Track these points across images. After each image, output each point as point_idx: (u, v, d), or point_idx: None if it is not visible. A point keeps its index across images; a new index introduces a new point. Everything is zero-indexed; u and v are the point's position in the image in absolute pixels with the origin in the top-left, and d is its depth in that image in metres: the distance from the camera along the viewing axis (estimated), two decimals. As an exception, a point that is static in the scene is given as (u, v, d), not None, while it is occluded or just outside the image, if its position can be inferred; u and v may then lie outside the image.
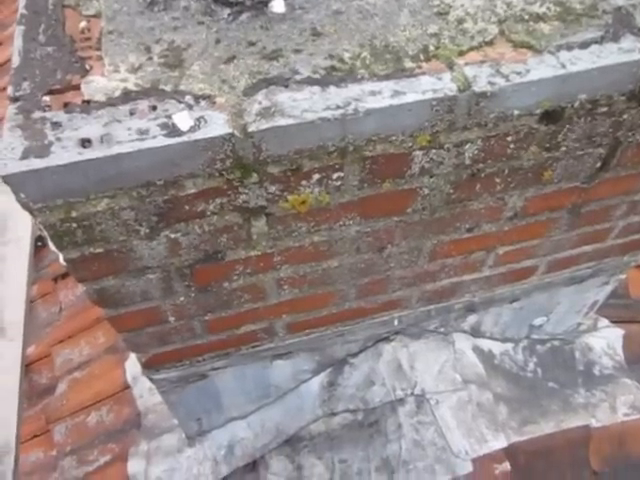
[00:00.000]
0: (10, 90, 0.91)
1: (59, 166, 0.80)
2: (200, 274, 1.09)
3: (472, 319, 1.58)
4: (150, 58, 0.92)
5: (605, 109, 1.00)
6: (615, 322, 2.21)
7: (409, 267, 1.27)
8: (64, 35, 0.99)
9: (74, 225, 0.90)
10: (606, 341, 2.14)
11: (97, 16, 1.01)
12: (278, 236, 1.06)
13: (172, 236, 0.99)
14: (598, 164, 1.13)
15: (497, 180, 1.08)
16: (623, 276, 1.66)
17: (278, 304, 1.25)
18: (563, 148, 1.06)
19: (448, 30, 0.95)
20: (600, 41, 0.94)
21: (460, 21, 0.96)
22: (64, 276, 2.67)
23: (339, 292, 1.27)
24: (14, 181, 0.81)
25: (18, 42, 0.99)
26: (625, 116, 1.03)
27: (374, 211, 1.07)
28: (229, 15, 0.96)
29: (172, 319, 1.19)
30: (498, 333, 1.71)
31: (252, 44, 0.93)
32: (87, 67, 0.93)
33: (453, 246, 1.24)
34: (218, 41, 0.93)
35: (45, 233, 0.92)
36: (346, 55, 0.91)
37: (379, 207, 1.06)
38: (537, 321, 1.73)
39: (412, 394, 1.47)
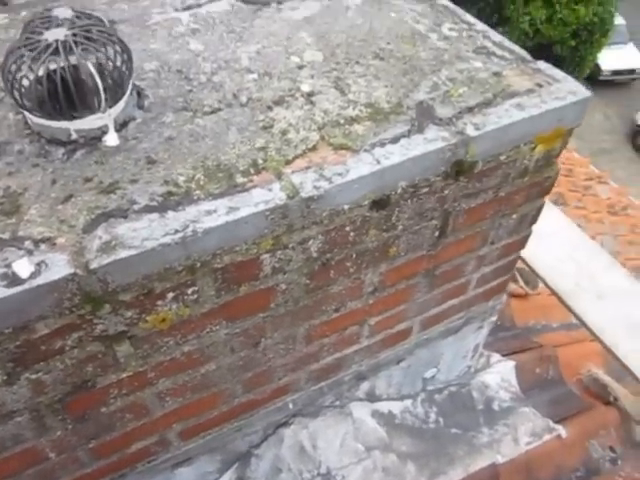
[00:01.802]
0: None
1: None
2: (73, 406, 1.07)
3: (365, 386, 1.64)
4: (-15, 208, 0.93)
5: (427, 189, 1.12)
6: (507, 355, 2.37)
7: (288, 354, 1.31)
8: None
9: None
10: (500, 375, 2.27)
11: None
12: (146, 354, 1.07)
13: (33, 377, 0.97)
14: (436, 233, 1.26)
15: (348, 264, 1.17)
16: (494, 318, 1.80)
17: (164, 415, 1.24)
18: (400, 227, 1.17)
19: (274, 142, 1.04)
20: (408, 134, 1.07)
21: (284, 132, 1.05)
22: None
23: (225, 391, 1.29)
24: None
25: None
26: (446, 191, 1.16)
27: (238, 313, 1.11)
28: (63, 154, 1.00)
29: (52, 455, 1.15)
30: (394, 393, 1.78)
31: (88, 180, 0.96)
32: None
33: (326, 327, 1.31)
34: (54, 181, 0.96)
35: None
36: (181, 179, 0.97)
37: (242, 309, 1.11)
38: (428, 374, 1.82)
39: (319, 474, 1.48)
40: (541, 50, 10.75)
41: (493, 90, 1.17)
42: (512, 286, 2.77)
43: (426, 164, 1.07)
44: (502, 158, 1.18)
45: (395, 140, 1.06)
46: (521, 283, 2.81)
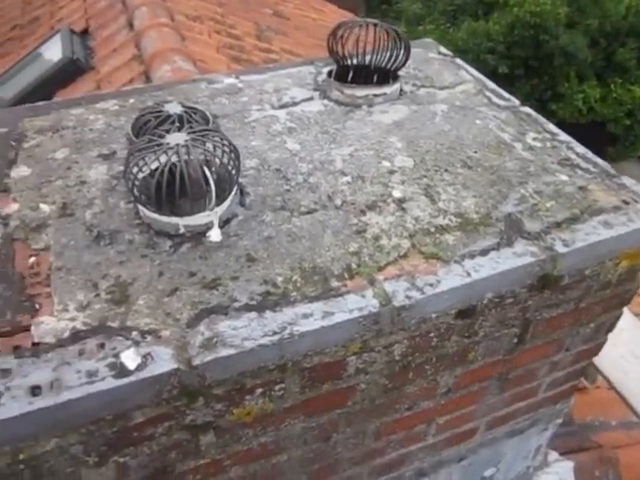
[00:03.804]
0: (-40, 335, 0.95)
1: (9, 418, 0.83)
2: (150, 488, 1.09)
3: (424, 482, 1.61)
4: (97, 295, 0.99)
5: (511, 300, 1.14)
6: (565, 453, 2.28)
7: (356, 448, 1.31)
8: (13, 272, 1.05)
9: (21, 466, 0.91)
10: (559, 476, 2.18)
11: (46, 249, 1.09)
12: (226, 444, 1.09)
13: (121, 460, 1.00)
14: (515, 340, 1.26)
15: (427, 367, 1.18)
16: (560, 421, 1.75)
17: (230, 501, 1.24)
18: (481, 334, 1.17)
19: (367, 247, 1.08)
20: (497, 247, 1.10)
21: (376, 238, 1.09)
22: None
23: (290, 481, 1.29)
24: (-38, 438, 0.82)
25: (-32, 281, 1.04)
26: (530, 302, 1.17)
27: (317, 409, 1.13)
28: (170, 247, 1.06)
29: (122, 534, 1.16)
30: (452, 490, 1.73)
31: (193, 274, 1.02)
32: (36, 306, 0.99)
33: (396, 424, 1.30)
34: (161, 273, 1.02)
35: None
36: (279, 279, 1.02)
37: (321, 405, 1.12)
38: (487, 473, 1.77)
39: None
40: (594, 127, 10.74)
41: (580, 206, 1.19)
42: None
43: (514, 277, 1.09)
44: (586, 272, 1.19)
45: (484, 252, 1.09)
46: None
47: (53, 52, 4.03)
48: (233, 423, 1.04)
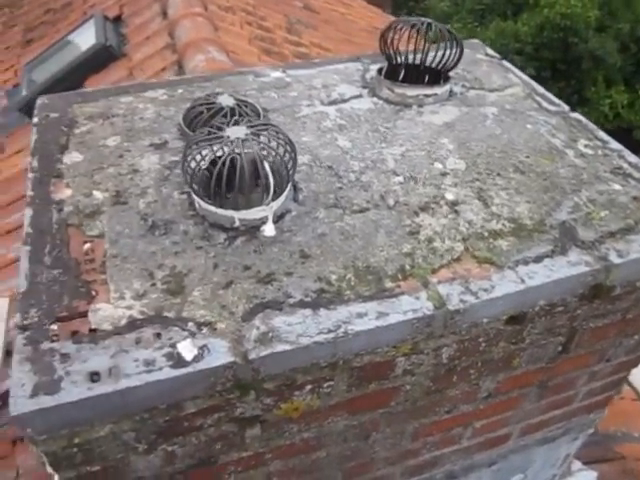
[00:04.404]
0: (18, 318, 0.96)
1: (69, 403, 0.84)
2: (192, 478, 1.10)
3: (453, 485, 1.61)
4: (154, 284, 1.00)
5: (561, 308, 1.13)
6: (588, 463, 2.26)
7: (393, 448, 1.31)
8: (69, 257, 1.06)
9: (75, 450, 0.92)
10: (582, 486, 2.17)
11: (100, 236, 1.10)
12: (270, 437, 1.09)
13: (169, 449, 1.01)
14: (559, 348, 1.25)
15: (471, 371, 1.17)
16: (591, 430, 1.74)
17: (267, 494, 1.25)
18: (528, 340, 1.17)
19: (420, 249, 1.07)
20: (551, 255, 1.09)
21: (430, 240, 1.09)
22: (24, 439, 2.54)
23: (325, 477, 1.29)
24: (23, 419, 0.84)
25: (24, 264, 1.06)
26: (579, 311, 1.16)
27: (361, 408, 1.13)
28: (225, 240, 1.06)
29: (161, 520, 1.17)
30: (479, 494, 1.73)
31: (247, 268, 1.02)
32: (93, 293, 1.00)
33: (434, 426, 1.30)
34: (216, 266, 1.02)
35: (43, 458, 0.93)
36: (333, 277, 1.02)
37: (365, 404, 1.12)
38: (515, 478, 1.77)
39: None
40: (620, 134, 10.61)
41: (634, 216, 1.18)
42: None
43: (567, 286, 1.08)
44: (638, 284, 1.17)
45: (538, 259, 1.08)
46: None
47: (86, 38, 4.06)
48: (279, 418, 1.05)
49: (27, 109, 3.75)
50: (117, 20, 4.29)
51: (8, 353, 2.58)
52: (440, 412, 1.26)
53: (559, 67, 10.47)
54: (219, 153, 1.03)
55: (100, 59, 3.82)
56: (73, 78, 3.78)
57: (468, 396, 1.26)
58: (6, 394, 1.93)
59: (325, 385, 1.02)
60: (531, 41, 10.31)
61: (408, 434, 1.28)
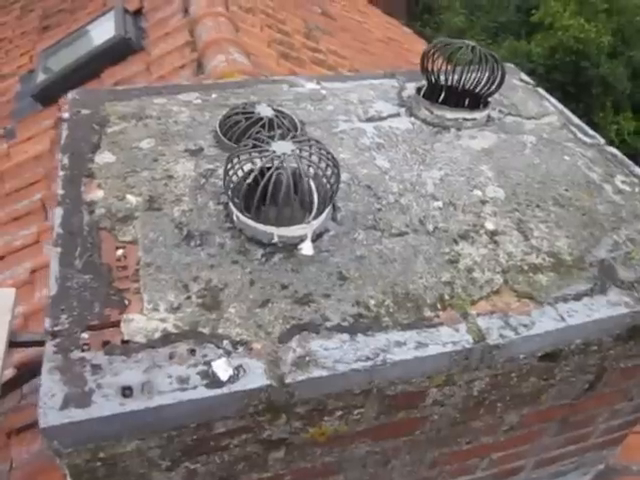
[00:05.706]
0: (48, 323, 0.94)
1: (99, 417, 0.82)
2: (210, 496, 1.08)
3: (461, 513, 1.58)
4: (189, 297, 0.97)
5: (596, 347, 1.11)
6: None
7: (409, 475, 1.28)
8: (100, 262, 1.04)
9: (98, 464, 0.89)
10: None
11: (133, 243, 1.07)
12: (292, 460, 1.07)
13: (192, 467, 0.98)
14: (586, 386, 1.23)
15: (499, 404, 1.15)
16: (602, 467, 1.72)
17: (279, 515, 1.23)
18: (558, 377, 1.15)
19: (460, 279, 1.05)
20: (590, 293, 1.07)
21: (469, 270, 1.07)
22: (20, 431, 2.50)
23: (340, 501, 1.27)
24: (51, 431, 0.81)
25: (54, 266, 1.03)
26: (612, 351, 1.14)
27: (386, 435, 1.11)
28: (262, 256, 1.04)
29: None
30: (484, 523, 1.70)
31: (284, 287, 1.00)
32: (125, 302, 0.97)
33: (452, 456, 1.28)
34: (252, 282, 1.00)
35: (65, 470, 0.90)
36: (371, 302, 0.99)
37: (391, 432, 1.10)
38: (521, 509, 1.74)
39: None
40: (625, 161, 10.64)
41: (674, 258, 1.16)
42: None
43: (605, 326, 1.06)
44: (672, 327, 1.15)
45: (578, 297, 1.06)
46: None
47: (105, 29, 4.03)
48: (305, 441, 1.03)
49: (41, 96, 3.73)
50: (137, 13, 4.26)
51: (11, 344, 2.54)
52: (461, 442, 1.24)
53: (569, 90, 10.50)
54: (265, 166, 1.01)
55: (118, 51, 3.79)
56: (90, 68, 3.75)
57: (490, 428, 1.23)
58: (6, 385, 1.89)
59: (355, 412, 1.00)
60: (543, 62, 10.34)
61: (427, 462, 1.26)
